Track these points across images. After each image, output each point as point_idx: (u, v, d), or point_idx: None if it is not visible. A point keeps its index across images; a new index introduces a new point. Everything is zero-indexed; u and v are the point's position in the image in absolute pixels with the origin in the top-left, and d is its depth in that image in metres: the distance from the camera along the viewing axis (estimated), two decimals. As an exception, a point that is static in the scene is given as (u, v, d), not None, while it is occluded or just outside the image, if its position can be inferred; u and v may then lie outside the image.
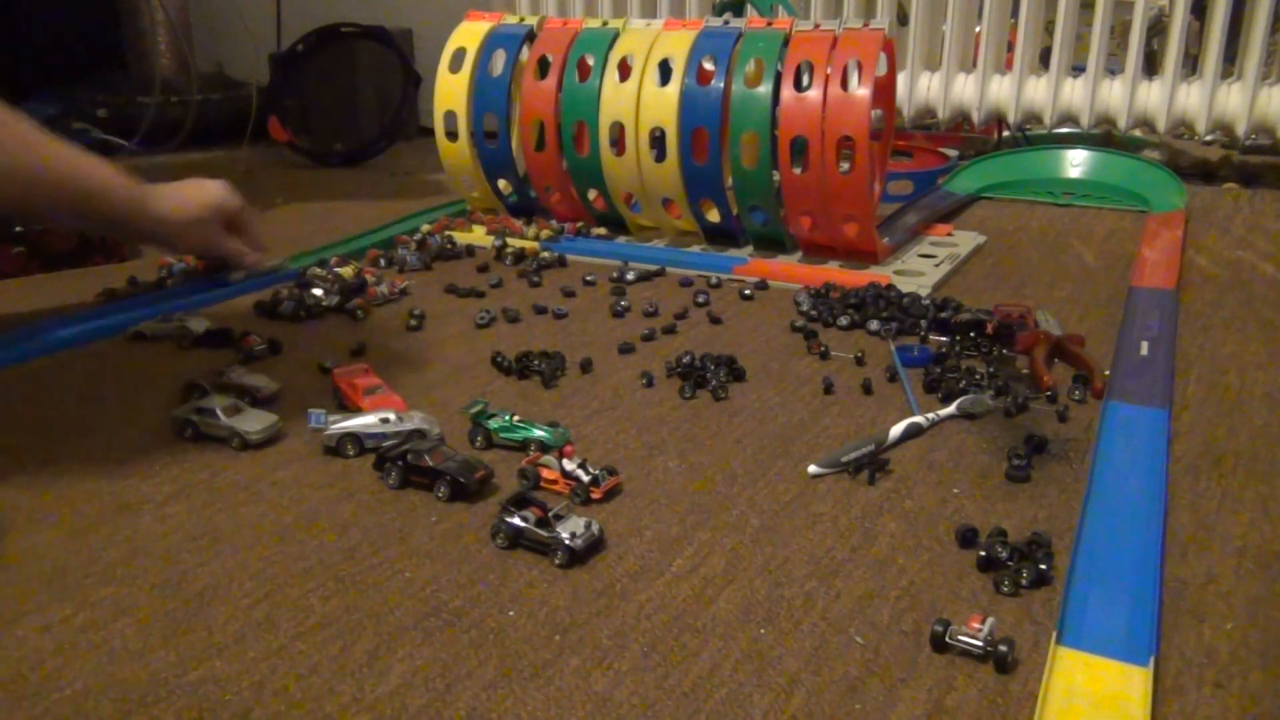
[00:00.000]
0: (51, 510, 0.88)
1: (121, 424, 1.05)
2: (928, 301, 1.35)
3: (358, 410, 1.03)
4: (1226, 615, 0.73)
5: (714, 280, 1.51)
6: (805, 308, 1.36)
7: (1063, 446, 0.98)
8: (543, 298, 1.45)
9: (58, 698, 0.66)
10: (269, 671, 0.68)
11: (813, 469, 0.94)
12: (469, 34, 1.76)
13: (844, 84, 1.44)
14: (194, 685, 0.66)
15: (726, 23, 1.60)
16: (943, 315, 1.30)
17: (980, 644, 0.68)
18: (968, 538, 0.82)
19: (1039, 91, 2.19)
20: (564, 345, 1.26)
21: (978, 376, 1.12)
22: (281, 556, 0.81)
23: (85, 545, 0.83)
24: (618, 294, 1.45)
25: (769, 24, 1.57)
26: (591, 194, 1.73)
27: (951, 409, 1.06)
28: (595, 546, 0.81)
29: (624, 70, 1.61)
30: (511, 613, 0.74)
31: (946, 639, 0.69)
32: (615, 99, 1.60)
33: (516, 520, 0.81)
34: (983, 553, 0.78)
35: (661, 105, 1.56)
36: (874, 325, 1.30)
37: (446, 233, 1.72)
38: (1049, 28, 2.19)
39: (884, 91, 1.57)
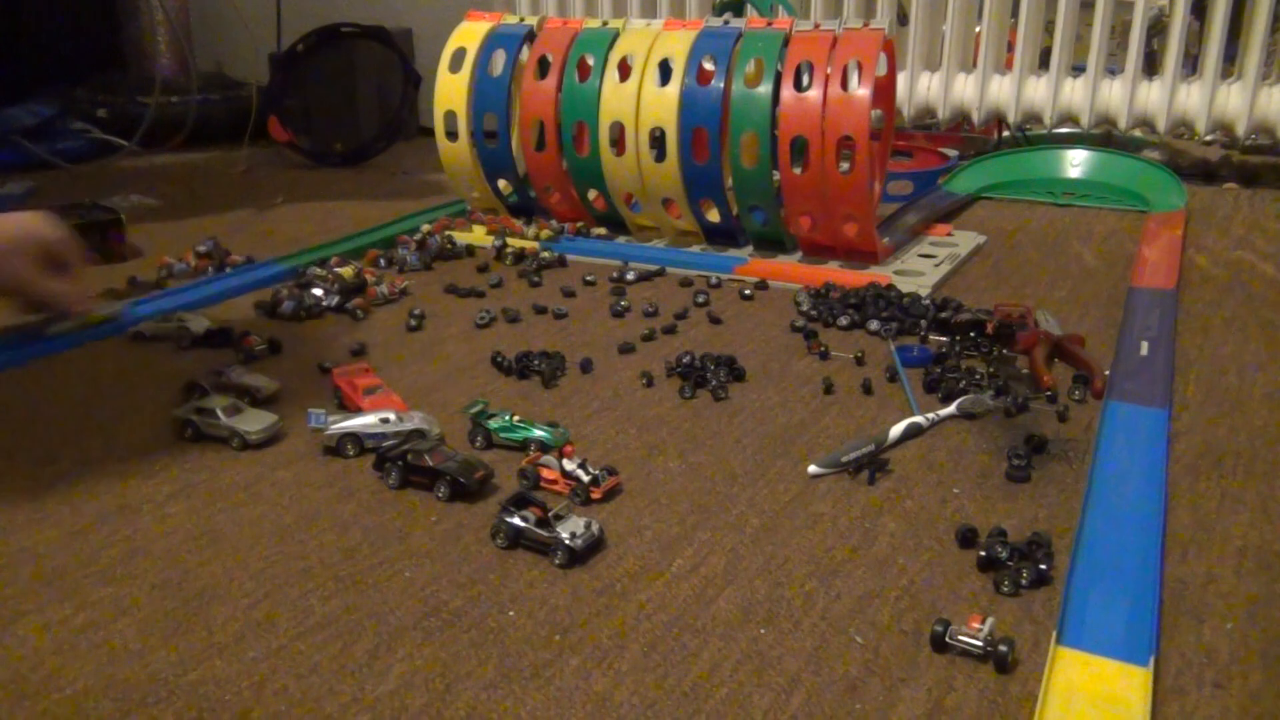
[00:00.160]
0: (51, 510, 0.88)
1: (121, 424, 1.05)
2: (928, 301, 1.35)
3: (358, 410, 1.03)
4: (1226, 615, 0.73)
5: (714, 280, 1.51)
6: (805, 308, 1.36)
7: (1063, 446, 0.98)
8: (543, 298, 1.45)
9: (58, 698, 0.66)
10: (269, 671, 0.68)
11: (813, 469, 0.94)
12: (469, 34, 1.76)
13: (844, 84, 1.44)
14: (194, 685, 0.66)
15: (726, 23, 1.60)
16: (943, 315, 1.30)
17: (980, 644, 0.68)
18: (968, 538, 0.82)
19: (1039, 91, 2.19)
20: (564, 345, 1.26)
21: (978, 376, 1.12)
22: (281, 556, 0.81)
23: (85, 545, 0.83)
24: (618, 294, 1.45)
25: (769, 24, 1.57)
26: (591, 194, 1.73)
27: (951, 409, 1.06)
28: (595, 546, 0.81)
29: (624, 70, 1.61)
30: (511, 613, 0.74)
31: (946, 639, 0.69)
32: (615, 99, 1.60)
33: (516, 520, 0.81)
34: (983, 553, 0.78)
35: (661, 105, 1.56)
36: (874, 325, 1.30)
37: (446, 233, 1.72)
38: (1049, 28, 2.19)
39: (884, 91, 1.57)
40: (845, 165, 1.46)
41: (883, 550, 0.82)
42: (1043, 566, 0.77)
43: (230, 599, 0.76)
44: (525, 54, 1.72)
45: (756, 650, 0.70)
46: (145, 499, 0.90)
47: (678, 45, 1.57)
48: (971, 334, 1.25)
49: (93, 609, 0.75)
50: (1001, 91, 2.23)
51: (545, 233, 1.71)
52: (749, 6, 1.94)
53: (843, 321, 1.32)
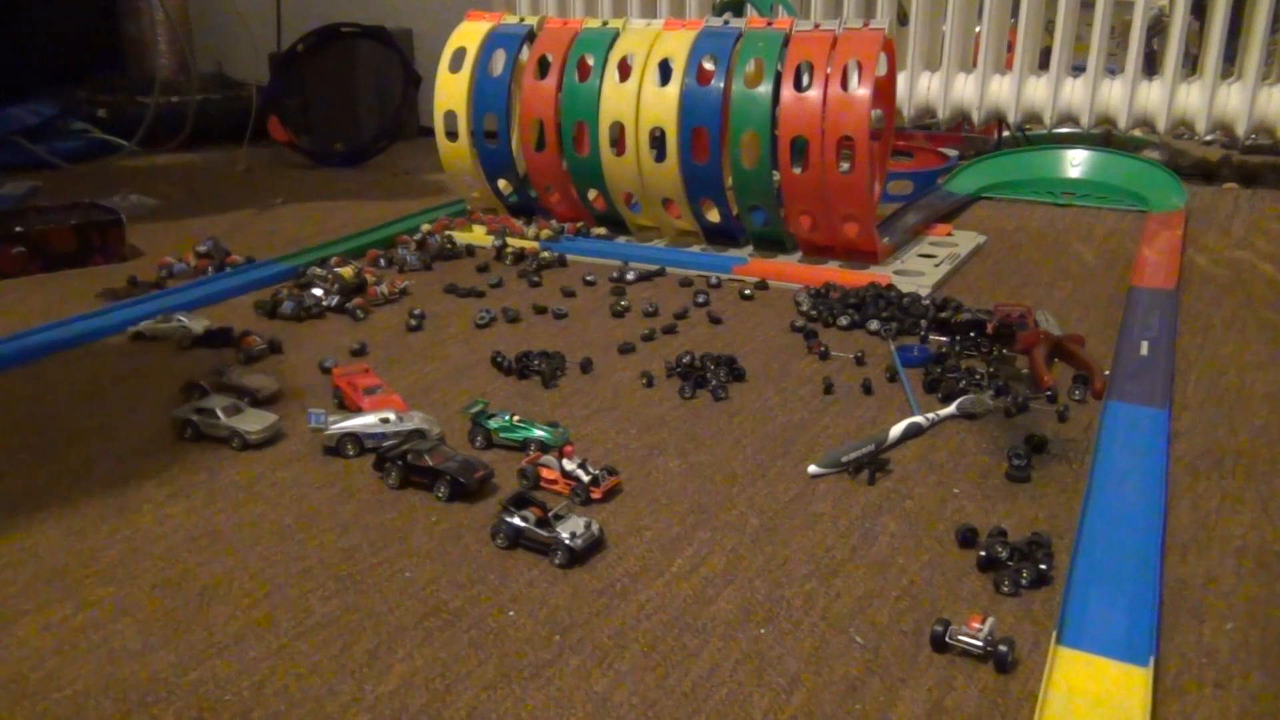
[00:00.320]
0: (51, 510, 0.88)
1: (121, 424, 1.05)
2: (928, 301, 1.35)
3: (358, 410, 1.03)
4: (1226, 615, 0.73)
5: (714, 280, 1.51)
6: (805, 308, 1.36)
7: (1063, 446, 0.98)
8: (543, 298, 1.45)
9: (58, 698, 0.66)
10: (269, 671, 0.68)
11: (813, 469, 0.94)
12: (469, 34, 1.76)
13: (844, 84, 1.44)
14: (194, 685, 0.66)
15: (726, 23, 1.60)
16: (943, 315, 1.30)
17: (980, 644, 0.68)
18: (968, 538, 0.82)
19: (1039, 91, 2.19)
20: (564, 345, 1.26)
21: (978, 376, 1.12)
22: (281, 556, 0.81)
23: (85, 545, 0.83)
24: (618, 294, 1.45)
25: (769, 24, 1.57)
26: (591, 194, 1.73)
27: (951, 409, 1.06)
28: (595, 546, 0.81)
29: (624, 70, 1.61)
30: (511, 613, 0.74)
31: (946, 639, 0.69)
32: (615, 99, 1.60)
33: (516, 520, 0.81)
34: (983, 553, 0.78)
35: (661, 105, 1.56)
36: (874, 325, 1.30)
37: (446, 233, 1.72)
38: (1049, 28, 2.19)
39: (884, 91, 1.57)
40: (845, 165, 1.46)
41: (883, 550, 0.81)
42: (1043, 566, 0.77)
43: (230, 599, 0.76)
44: (525, 54, 1.72)
45: (756, 650, 0.70)
46: (145, 499, 0.90)
47: (678, 45, 1.57)
48: (971, 334, 1.25)
49: (93, 609, 0.75)
50: (1001, 91, 2.23)
51: (545, 233, 1.71)
52: (749, 6, 1.94)
53: (843, 321, 1.32)
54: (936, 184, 2.09)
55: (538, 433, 0.98)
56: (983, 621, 0.69)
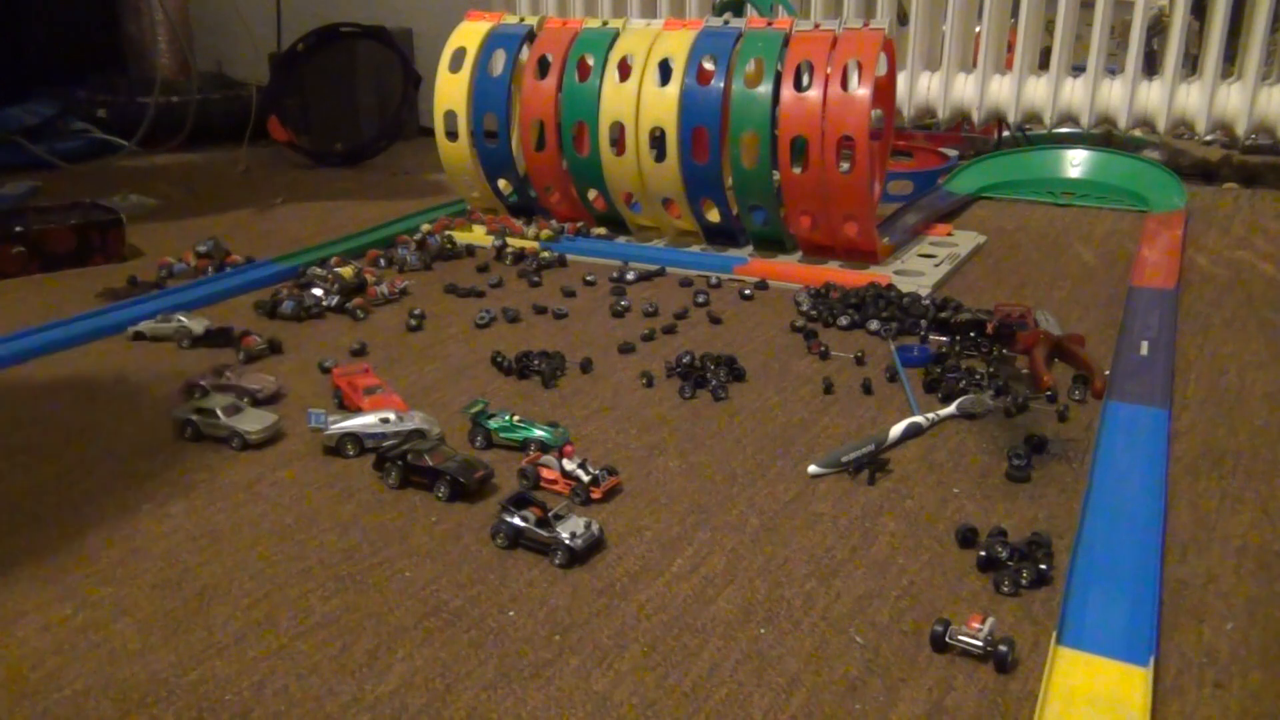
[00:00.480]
0: (51, 510, 0.88)
1: (121, 424, 1.05)
2: (928, 301, 1.35)
3: (358, 410, 1.03)
4: (1226, 615, 0.73)
5: (714, 280, 1.51)
6: (805, 308, 1.36)
7: (1063, 446, 0.98)
8: (543, 298, 1.45)
9: (58, 698, 0.66)
10: (269, 671, 0.68)
11: (813, 469, 0.94)
12: (469, 34, 1.76)
13: (844, 84, 1.44)
14: (194, 685, 0.66)
15: (726, 23, 1.60)
16: (943, 315, 1.30)
17: (980, 644, 0.68)
18: (968, 538, 0.82)
19: (1039, 91, 2.19)
20: (564, 345, 1.26)
21: (978, 376, 1.12)
22: (281, 556, 0.81)
23: (85, 545, 0.83)
24: (618, 294, 1.45)
25: (769, 24, 1.57)
26: (591, 194, 1.73)
27: (951, 409, 1.06)
28: (595, 546, 0.81)
29: (624, 70, 1.61)
30: (511, 613, 0.74)
31: (946, 639, 0.69)
32: (615, 99, 1.60)
33: (516, 520, 0.81)
34: (983, 553, 0.78)
35: (661, 105, 1.56)
36: (874, 325, 1.30)
37: (446, 233, 1.72)
38: (1049, 28, 2.19)
39: (884, 91, 1.57)
40: (845, 165, 1.46)
41: (883, 550, 0.81)
42: (1043, 566, 0.76)
43: (230, 599, 0.75)
44: (525, 54, 1.72)
45: (756, 650, 0.70)
46: (145, 499, 0.90)
47: (678, 45, 1.57)
48: (971, 334, 1.25)
49: (93, 609, 0.75)
50: (1001, 91, 2.23)
51: (545, 233, 1.71)
52: (749, 6, 1.94)
53: (843, 321, 1.32)
54: (936, 184, 2.09)
55: (538, 433, 0.98)
56: (983, 621, 0.69)
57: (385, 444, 0.96)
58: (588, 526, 0.81)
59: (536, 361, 1.16)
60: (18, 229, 1.57)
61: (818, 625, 0.72)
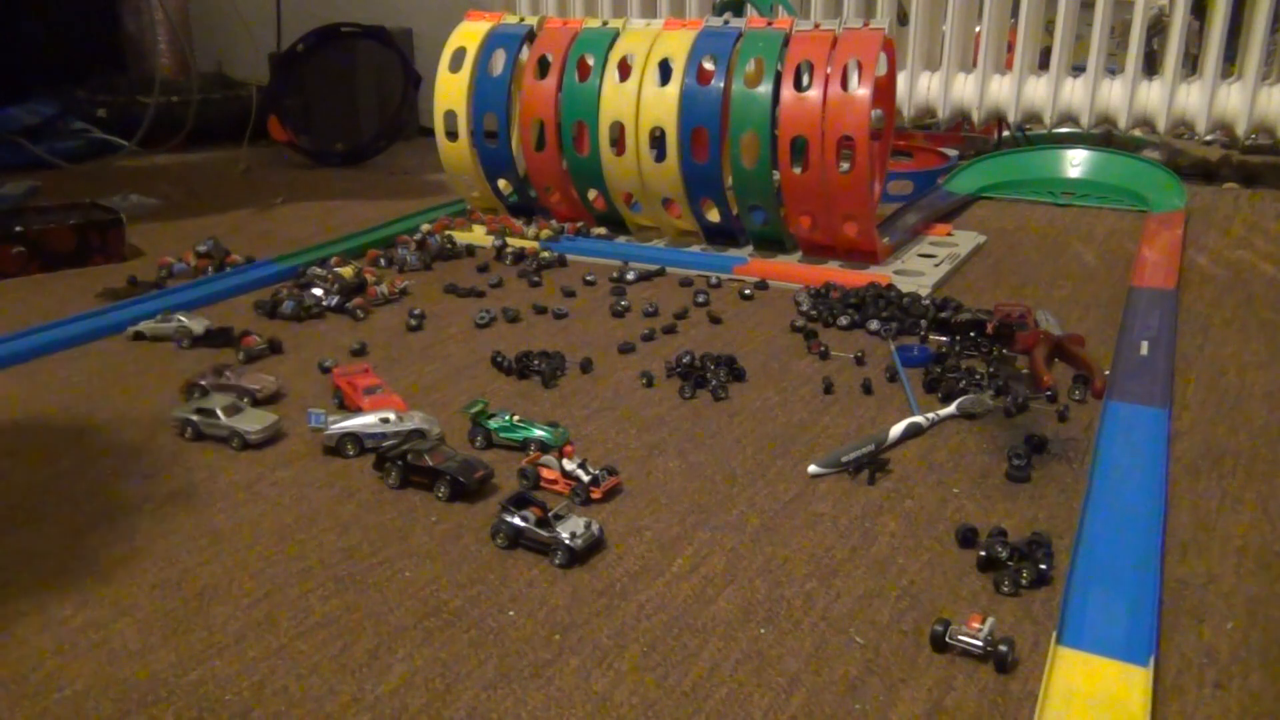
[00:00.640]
0: (51, 510, 0.88)
1: (121, 424, 1.05)
2: (928, 301, 1.35)
3: (358, 410, 1.03)
4: (1226, 615, 0.73)
5: (714, 280, 1.51)
6: (805, 308, 1.36)
7: (1063, 446, 0.98)
8: (543, 298, 1.45)
9: (58, 698, 0.66)
10: (269, 671, 0.68)
11: (813, 469, 0.94)
12: (469, 34, 1.76)
13: (844, 84, 1.44)
14: (194, 685, 0.66)
15: (726, 23, 1.60)
16: (943, 315, 1.30)
17: (980, 644, 0.68)
18: (968, 538, 0.82)
19: (1039, 91, 2.19)
20: (564, 345, 1.26)
21: (978, 376, 1.12)
22: (281, 556, 0.81)
23: (85, 545, 0.83)
24: (618, 294, 1.45)
25: (769, 24, 1.57)
26: (591, 194, 1.73)
27: (951, 409, 1.06)
28: (595, 546, 0.81)
29: (624, 70, 1.61)
30: (511, 613, 0.74)
31: (946, 639, 0.69)
32: (615, 99, 1.60)
33: (516, 520, 0.81)
34: (983, 553, 0.78)
35: (661, 105, 1.56)
36: (874, 325, 1.30)
37: (446, 233, 1.72)
38: (1049, 28, 2.19)
39: (884, 91, 1.57)
40: (845, 165, 1.46)
41: (883, 550, 0.81)
42: (1043, 566, 0.76)
43: (230, 599, 0.75)
44: (525, 54, 1.72)
45: (756, 650, 0.70)
46: (145, 499, 0.90)
47: (678, 45, 1.57)
48: (971, 334, 1.25)
49: (93, 609, 0.75)
50: (1001, 91, 2.23)
51: (545, 233, 1.71)
52: (749, 6, 1.94)
53: (843, 321, 1.32)
54: (936, 184, 2.09)
55: (538, 433, 0.98)
56: (983, 621, 0.69)
57: (385, 444, 0.96)
58: (588, 526, 0.81)
59: (536, 361, 1.16)
60: (18, 229, 1.57)
61: (818, 625, 0.72)
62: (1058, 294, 1.46)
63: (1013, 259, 1.65)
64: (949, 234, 1.73)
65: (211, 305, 1.43)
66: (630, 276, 1.53)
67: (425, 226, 1.75)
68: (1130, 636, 0.69)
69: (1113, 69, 2.18)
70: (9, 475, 0.95)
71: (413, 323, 1.33)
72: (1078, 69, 2.17)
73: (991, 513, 0.87)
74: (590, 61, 1.64)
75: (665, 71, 1.58)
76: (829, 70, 1.45)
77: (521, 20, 1.76)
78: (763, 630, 0.72)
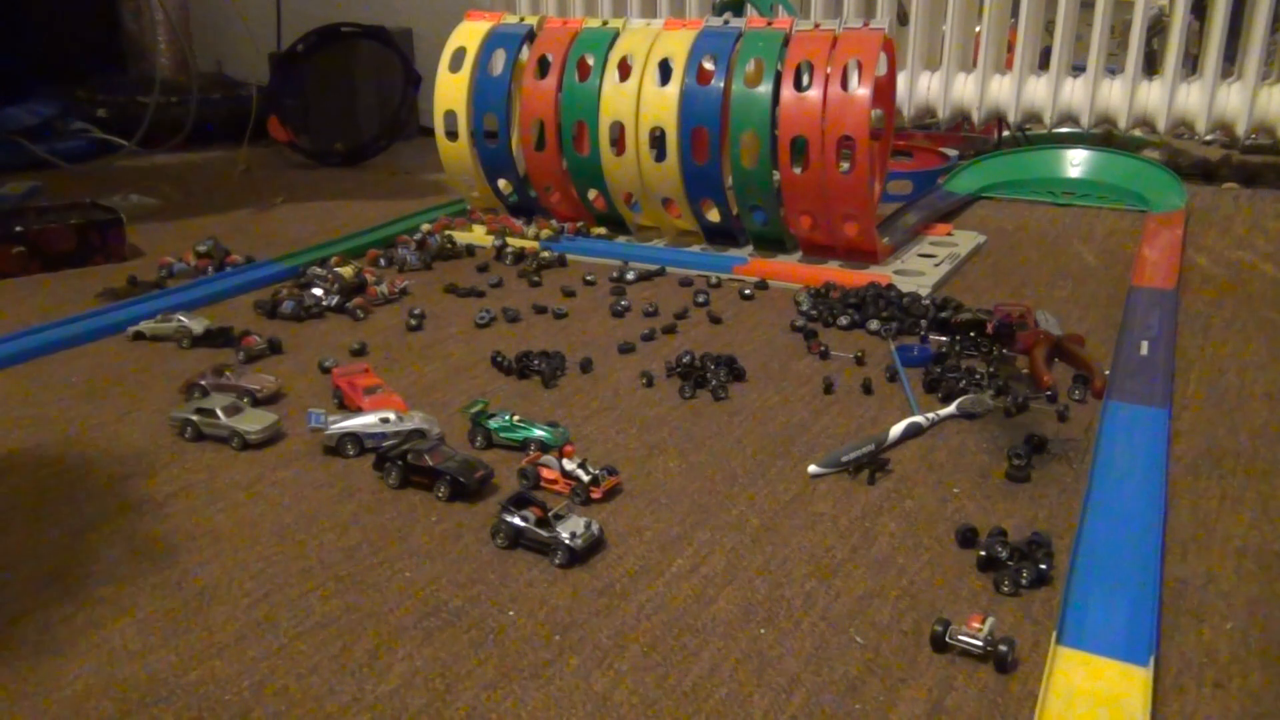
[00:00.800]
0: (51, 510, 0.88)
1: (121, 424, 1.05)
2: (928, 301, 1.35)
3: (358, 410, 1.03)
4: (1226, 615, 0.73)
5: (714, 280, 1.51)
6: (805, 307, 1.36)
7: (1063, 446, 0.98)
8: (543, 298, 1.45)
9: (58, 698, 0.66)
10: (269, 671, 0.68)
11: (813, 469, 0.94)
12: (469, 34, 1.76)
13: (844, 84, 1.44)
14: (194, 685, 0.66)
15: (726, 23, 1.60)
16: (943, 315, 1.30)
17: (980, 644, 0.68)
18: (968, 538, 0.82)
19: (1039, 91, 2.19)
20: (564, 345, 1.26)
21: (978, 376, 1.12)
22: (281, 556, 0.81)
23: (85, 545, 0.83)
24: (618, 294, 1.45)
25: (769, 24, 1.57)
26: (591, 194, 1.73)
27: (951, 409, 1.06)
28: (595, 546, 0.81)
29: (624, 70, 1.61)
30: (511, 613, 0.74)
31: (946, 639, 0.69)
32: (615, 99, 1.60)
33: (516, 520, 0.81)
34: (983, 553, 0.78)
35: (661, 105, 1.56)
36: (874, 325, 1.30)
37: (446, 233, 1.72)
38: (1049, 28, 2.19)
39: (884, 91, 1.57)
40: (845, 165, 1.46)
41: (883, 550, 0.81)
42: (1043, 566, 0.76)
43: (230, 599, 0.76)
44: (525, 54, 1.72)
45: (756, 650, 0.70)
46: (145, 499, 0.90)
47: (678, 45, 1.57)
48: (971, 334, 1.25)
49: (93, 609, 0.75)
50: (1001, 91, 2.23)
51: (545, 232, 1.71)
52: (749, 6, 1.94)
53: (843, 321, 1.32)
54: (936, 184, 2.09)
55: (538, 433, 0.98)
56: (983, 621, 0.69)
57: (385, 444, 0.96)
58: (588, 526, 0.81)
59: (536, 361, 1.16)
60: (18, 229, 1.57)
61: (818, 625, 0.72)
62: (1058, 294, 1.46)
63: (1013, 259, 1.65)
64: (949, 234, 1.73)
65: (211, 305, 1.43)
66: (630, 276, 1.53)
67: (425, 226, 1.75)
68: (1130, 636, 0.69)
69: (1113, 69, 2.18)
70: (9, 475, 0.95)
71: (413, 323, 1.33)
72: (1078, 69, 2.17)
73: (991, 513, 0.87)
74: (590, 61, 1.64)
75: (665, 71, 1.58)
76: (829, 70, 1.45)
77: (521, 20, 1.76)
78: (763, 630, 0.72)
